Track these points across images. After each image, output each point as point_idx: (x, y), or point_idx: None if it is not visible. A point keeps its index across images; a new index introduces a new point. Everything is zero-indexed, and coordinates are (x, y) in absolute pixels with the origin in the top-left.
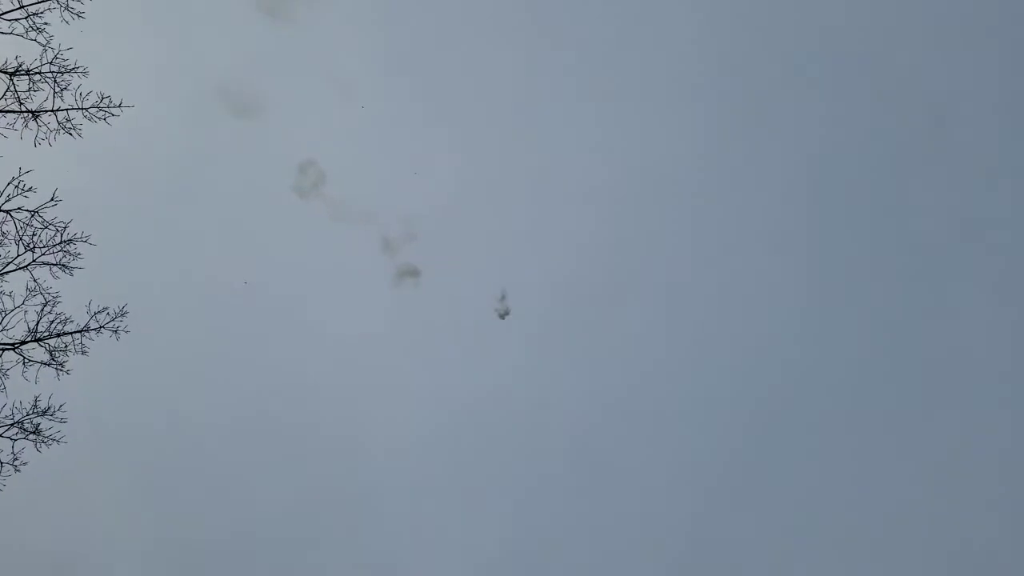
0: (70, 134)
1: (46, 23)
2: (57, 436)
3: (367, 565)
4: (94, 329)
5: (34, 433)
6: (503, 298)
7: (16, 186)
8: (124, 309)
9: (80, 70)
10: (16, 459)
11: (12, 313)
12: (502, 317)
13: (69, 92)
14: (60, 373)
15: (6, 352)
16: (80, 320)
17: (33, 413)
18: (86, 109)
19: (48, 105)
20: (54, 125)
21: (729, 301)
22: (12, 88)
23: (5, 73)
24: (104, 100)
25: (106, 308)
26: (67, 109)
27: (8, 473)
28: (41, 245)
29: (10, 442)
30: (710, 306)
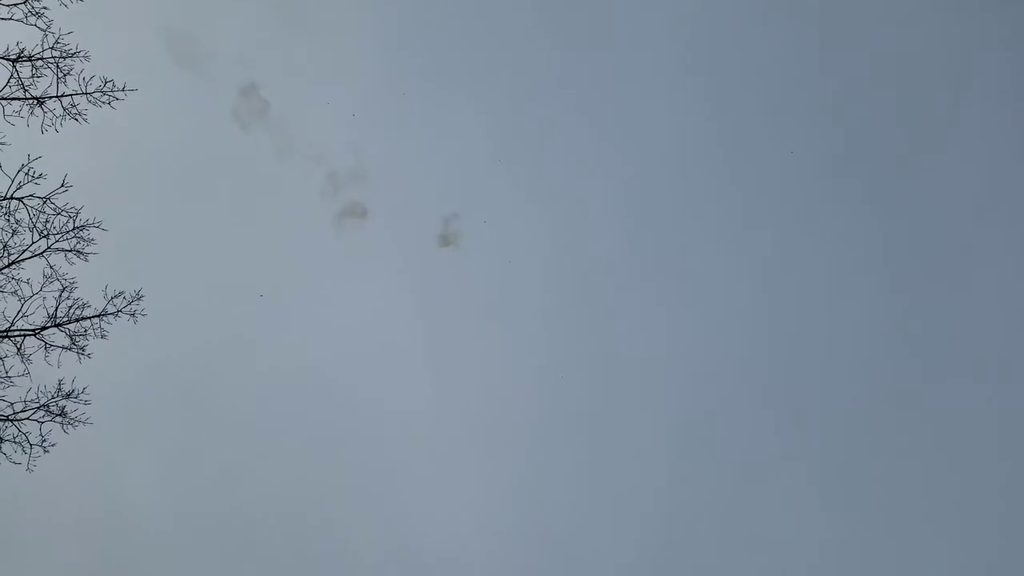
0: (76, 119)
1: (45, 7)
2: (83, 418)
3: (384, 538)
4: (112, 313)
5: (60, 415)
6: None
7: (26, 173)
8: (140, 293)
9: (82, 54)
10: (44, 441)
11: (31, 299)
12: (446, 244)
13: (72, 77)
14: (81, 357)
15: (28, 338)
16: (98, 305)
17: (58, 396)
18: (90, 94)
19: (52, 91)
20: (59, 111)
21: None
22: (16, 75)
23: (8, 60)
24: (107, 84)
25: (122, 292)
26: (71, 94)
27: (38, 454)
28: (55, 232)
29: (37, 425)
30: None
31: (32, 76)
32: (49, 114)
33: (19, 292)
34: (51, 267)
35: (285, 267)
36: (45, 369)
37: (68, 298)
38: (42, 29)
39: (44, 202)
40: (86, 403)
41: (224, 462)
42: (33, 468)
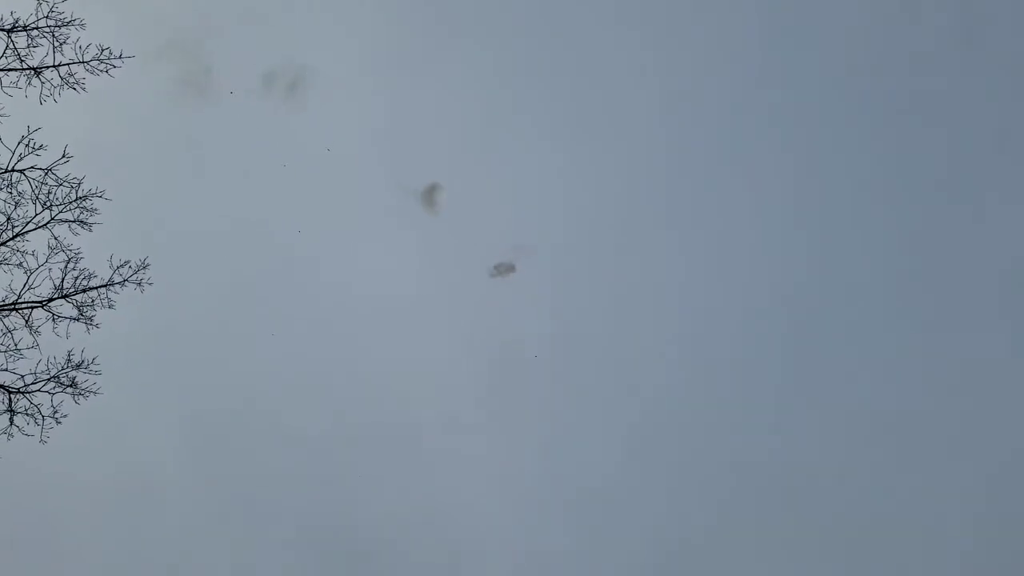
0: (74, 89)
1: None
2: (94, 388)
3: (404, 493)
4: (118, 283)
5: (71, 386)
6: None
7: (27, 145)
8: (146, 262)
9: (77, 23)
10: (56, 412)
11: (37, 271)
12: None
13: (68, 46)
14: (89, 327)
15: (35, 310)
16: (104, 275)
17: (68, 367)
18: (87, 62)
19: (49, 61)
20: (57, 81)
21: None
22: (11, 46)
23: (3, 31)
24: (104, 52)
25: (128, 262)
26: (68, 64)
27: (51, 426)
28: (58, 203)
29: (49, 396)
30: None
31: (28, 46)
32: (47, 84)
33: (24, 264)
34: (55, 238)
35: (291, 229)
36: (54, 341)
37: (74, 269)
38: None
39: (46, 173)
40: (96, 373)
41: (238, 428)
42: (47, 440)
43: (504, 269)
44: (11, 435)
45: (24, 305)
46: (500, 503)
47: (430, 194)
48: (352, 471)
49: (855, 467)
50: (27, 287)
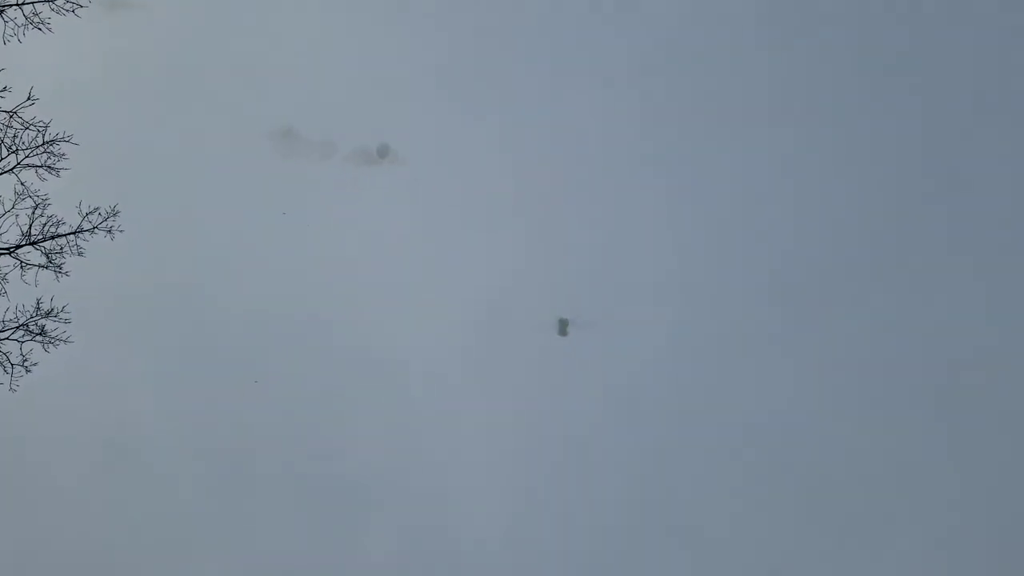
0: (39, 29)
1: None
2: (64, 336)
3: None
4: (88, 230)
5: (40, 335)
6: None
7: None
8: (116, 209)
9: None
10: (26, 360)
11: (4, 217)
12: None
13: None
14: (59, 275)
15: (3, 256)
16: (73, 222)
17: (37, 315)
18: (53, 1)
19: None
20: (21, 20)
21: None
22: None
23: None
24: None
25: (97, 208)
26: (33, 2)
27: (20, 374)
28: (24, 147)
29: (18, 344)
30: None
31: None
32: (10, 23)
33: None
34: (22, 183)
35: (268, 185)
36: (23, 288)
37: (42, 215)
38: None
39: (11, 116)
40: (66, 321)
41: (218, 378)
42: (16, 388)
43: None
44: None
45: None
46: (486, 454)
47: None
48: (339, 421)
49: (837, 426)
50: None
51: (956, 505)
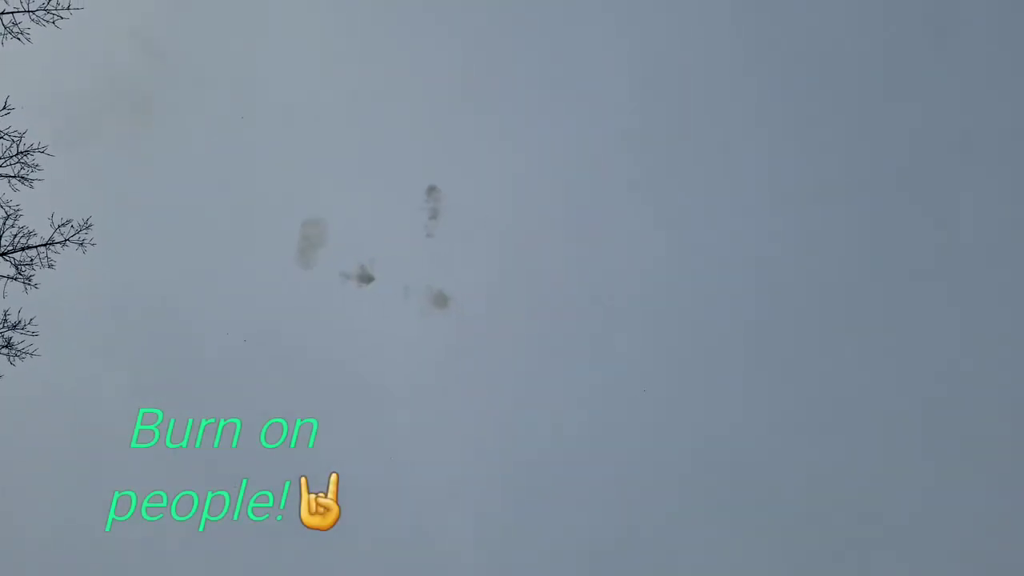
0: (18, 39)
1: None
2: (30, 349)
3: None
4: (59, 242)
5: (6, 347)
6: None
7: None
8: (88, 221)
9: None
10: None
11: None
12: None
13: None
14: (28, 287)
15: None
16: (44, 234)
17: (3, 327)
18: (33, 12)
19: None
20: (0, 30)
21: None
22: None
23: None
24: (51, 2)
25: (69, 221)
26: (12, 12)
27: None
28: None
29: None
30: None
31: None
32: None
33: None
34: None
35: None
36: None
37: (12, 226)
38: None
39: None
40: (33, 334)
41: (192, 389)
42: None
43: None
44: None
45: None
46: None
47: None
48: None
49: (825, 447)
50: None
51: (936, 530)
